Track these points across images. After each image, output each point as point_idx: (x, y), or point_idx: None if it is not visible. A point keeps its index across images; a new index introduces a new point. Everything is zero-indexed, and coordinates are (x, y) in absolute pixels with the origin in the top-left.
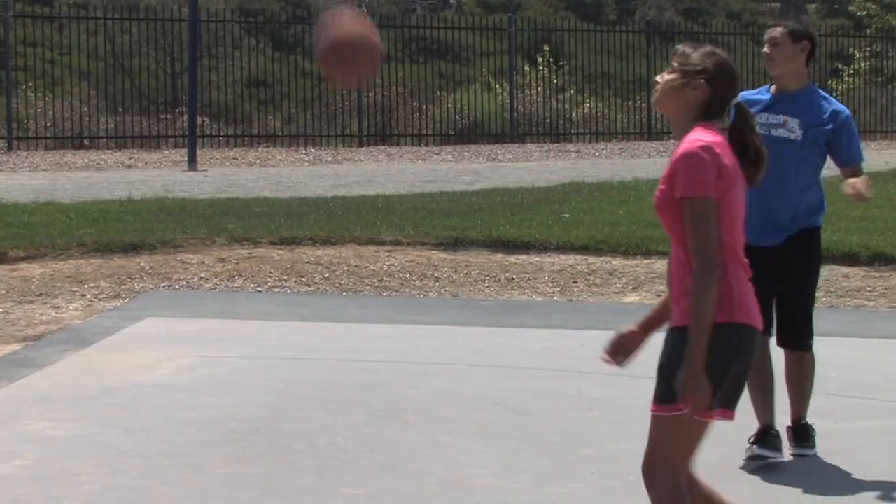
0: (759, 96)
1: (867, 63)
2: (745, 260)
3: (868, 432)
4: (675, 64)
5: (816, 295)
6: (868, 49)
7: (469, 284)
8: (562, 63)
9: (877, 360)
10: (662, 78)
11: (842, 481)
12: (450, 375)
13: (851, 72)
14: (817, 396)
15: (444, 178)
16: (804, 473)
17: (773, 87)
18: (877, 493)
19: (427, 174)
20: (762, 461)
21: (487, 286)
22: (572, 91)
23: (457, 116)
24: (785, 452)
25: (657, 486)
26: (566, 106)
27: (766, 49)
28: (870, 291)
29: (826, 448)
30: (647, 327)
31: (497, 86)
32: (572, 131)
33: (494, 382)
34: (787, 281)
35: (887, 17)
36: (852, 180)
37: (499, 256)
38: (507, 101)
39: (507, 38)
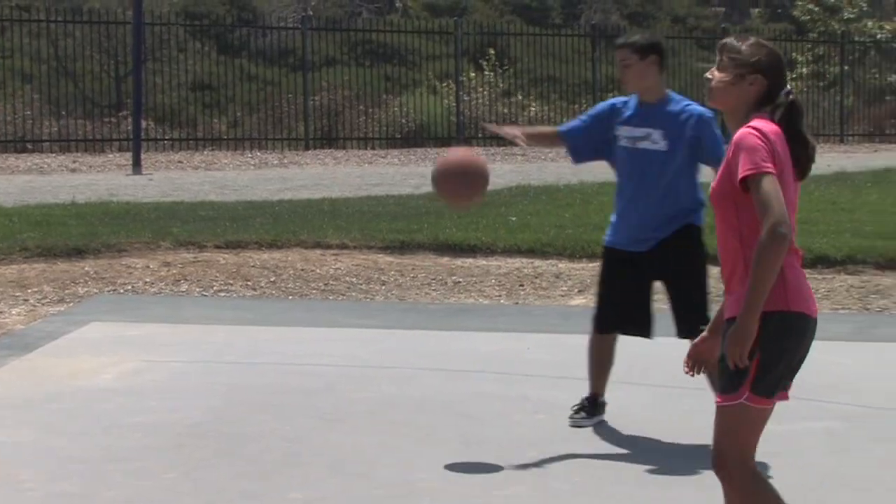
0: (624, 106)
1: (809, 67)
2: (800, 250)
3: (812, 434)
4: (725, 59)
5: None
6: (810, 53)
7: (415, 288)
8: (507, 66)
9: (820, 361)
10: (714, 74)
11: (786, 483)
12: (396, 379)
13: (794, 76)
14: None
15: (391, 181)
16: None
17: (638, 96)
18: (820, 495)
19: (373, 177)
20: (579, 426)
21: (434, 289)
22: (518, 95)
23: (403, 120)
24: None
25: (733, 478)
26: (512, 109)
27: (622, 67)
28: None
29: (770, 450)
30: (716, 328)
31: (444, 89)
32: None
33: (441, 386)
34: (673, 279)
35: (830, 22)
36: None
37: (445, 260)
38: (454, 104)
39: (453, 41)
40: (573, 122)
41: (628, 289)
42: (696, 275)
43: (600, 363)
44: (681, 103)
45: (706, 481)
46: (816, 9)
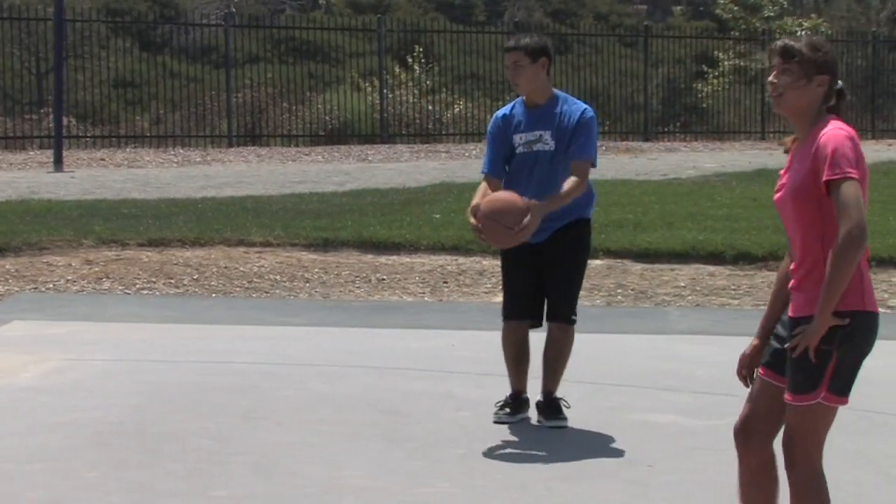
0: (514, 113)
1: (732, 64)
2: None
3: (731, 429)
4: (785, 63)
5: (682, 294)
6: (732, 51)
7: (339, 285)
8: (432, 64)
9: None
10: (779, 79)
11: (713, 477)
12: (321, 377)
13: (717, 73)
14: (683, 394)
15: (315, 178)
16: (677, 471)
17: (525, 100)
18: (736, 489)
19: (297, 175)
20: (503, 423)
21: (358, 287)
22: (443, 92)
23: (327, 117)
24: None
25: (797, 471)
26: (436, 107)
27: (511, 69)
28: (735, 290)
29: (693, 445)
30: (768, 333)
31: (367, 86)
32: (442, 132)
33: (365, 383)
34: (556, 264)
35: (751, 20)
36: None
37: (369, 257)
38: (378, 101)
39: (377, 38)
40: (492, 161)
41: (528, 278)
42: (578, 266)
43: (516, 358)
44: (567, 102)
45: (631, 476)
46: (736, 8)
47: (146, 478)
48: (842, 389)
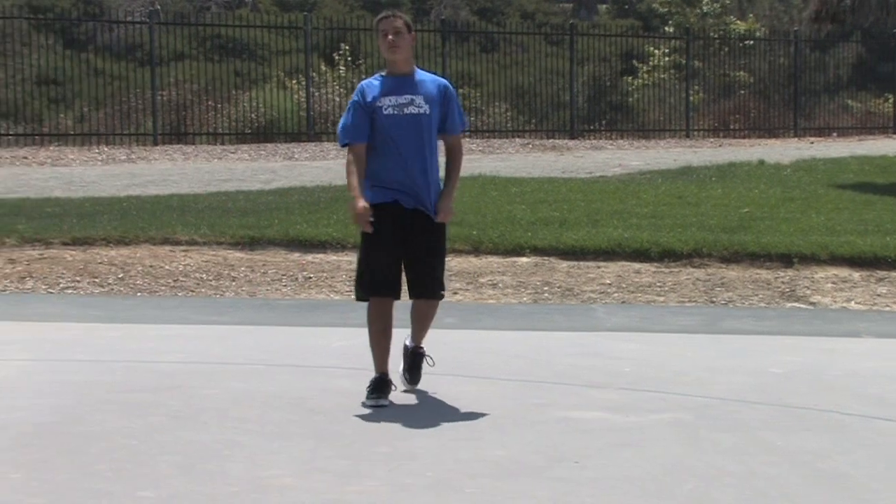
0: (377, 83)
1: (669, 59)
2: None
3: (658, 425)
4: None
5: (608, 291)
6: (667, 46)
7: (266, 284)
8: (359, 62)
9: (667, 354)
10: None
11: (633, 474)
12: (247, 375)
13: (649, 68)
14: (610, 390)
15: (241, 176)
16: (605, 467)
17: (385, 73)
18: (664, 485)
19: (223, 173)
20: (379, 406)
21: (284, 285)
22: None
23: (253, 115)
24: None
25: None
26: None
27: (390, 37)
28: (660, 287)
29: (618, 441)
30: None
31: (295, 83)
32: None
33: (292, 382)
34: (424, 243)
35: (688, 14)
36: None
37: (296, 255)
38: (304, 99)
39: (303, 36)
40: (358, 128)
41: (397, 254)
42: (444, 242)
43: (385, 332)
44: (429, 75)
45: (559, 473)
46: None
47: (70, 478)
48: None
